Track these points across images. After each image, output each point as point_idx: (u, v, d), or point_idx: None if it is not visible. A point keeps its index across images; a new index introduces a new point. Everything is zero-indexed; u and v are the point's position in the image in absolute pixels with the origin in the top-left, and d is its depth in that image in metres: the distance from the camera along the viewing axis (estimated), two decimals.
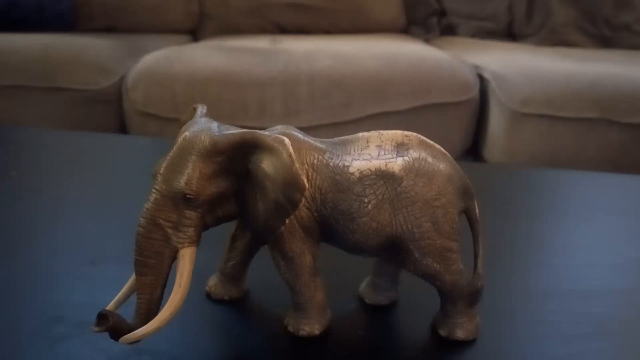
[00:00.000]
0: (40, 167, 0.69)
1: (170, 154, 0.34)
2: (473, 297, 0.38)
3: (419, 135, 0.36)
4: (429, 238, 0.35)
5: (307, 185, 0.34)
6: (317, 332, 0.38)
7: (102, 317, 0.32)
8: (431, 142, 0.36)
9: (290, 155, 0.33)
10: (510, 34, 1.66)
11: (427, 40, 1.60)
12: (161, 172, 0.33)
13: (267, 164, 0.33)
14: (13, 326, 0.39)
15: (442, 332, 0.39)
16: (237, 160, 0.34)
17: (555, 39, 1.59)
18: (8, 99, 1.22)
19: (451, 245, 0.36)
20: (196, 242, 0.34)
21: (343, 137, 0.37)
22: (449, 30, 1.69)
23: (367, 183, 0.35)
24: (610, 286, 0.46)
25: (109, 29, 1.54)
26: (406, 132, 0.36)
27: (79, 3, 1.51)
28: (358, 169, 0.35)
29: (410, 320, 0.41)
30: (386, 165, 0.35)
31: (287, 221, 0.34)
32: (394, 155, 0.35)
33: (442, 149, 0.37)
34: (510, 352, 0.38)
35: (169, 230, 0.33)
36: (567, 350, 0.38)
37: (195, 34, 1.63)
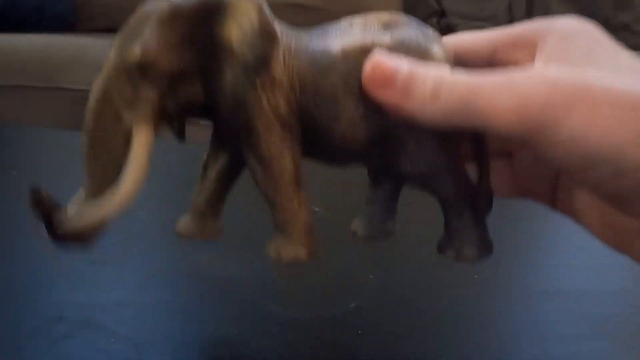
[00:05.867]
0: (41, 167, 0.69)
1: (126, 25, 0.30)
2: (482, 205, 0.33)
3: (409, 17, 0.33)
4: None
5: (278, 35, 0.30)
6: (303, 256, 0.33)
7: (35, 192, 0.27)
8: (421, 23, 0.33)
9: (257, 5, 0.30)
10: None
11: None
12: (116, 41, 0.30)
13: (231, 22, 0.30)
14: (13, 326, 0.39)
15: (449, 253, 0.33)
16: (200, 29, 0.30)
17: None
18: (8, 99, 1.22)
19: (451, 135, 0.31)
20: (153, 122, 0.30)
21: (324, 25, 0.33)
22: (449, 31, 1.69)
23: (351, 61, 0.31)
24: (611, 286, 0.47)
25: (109, 30, 1.54)
26: (394, 13, 0.33)
27: (79, 3, 1.51)
28: (342, 48, 0.31)
29: (411, 320, 0.41)
30: (373, 41, 0.31)
31: (262, 97, 0.30)
32: (382, 33, 0.31)
33: (434, 31, 0.33)
34: (510, 352, 0.38)
35: (122, 107, 0.30)
36: (567, 350, 0.38)
37: None
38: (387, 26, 0.32)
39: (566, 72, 0.27)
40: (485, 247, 0.33)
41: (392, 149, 0.32)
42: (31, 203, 0.27)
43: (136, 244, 0.49)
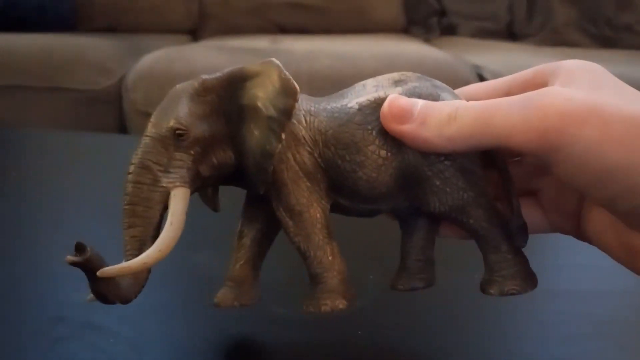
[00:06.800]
0: (40, 167, 0.69)
1: (159, 105, 0.33)
2: (518, 236, 0.33)
3: (418, 74, 0.34)
4: (447, 158, 0.32)
5: (298, 89, 0.32)
6: (341, 306, 0.33)
7: (80, 248, 0.29)
8: (430, 78, 0.34)
9: (278, 67, 0.32)
10: (510, 34, 1.66)
11: (427, 40, 1.60)
12: (151, 119, 0.32)
13: (255, 86, 0.32)
14: (14, 326, 0.39)
15: (493, 291, 0.33)
16: (228, 99, 0.33)
17: (556, 39, 1.59)
18: (8, 98, 1.22)
19: (474, 168, 0.32)
20: (189, 184, 0.32)
21: (339, 92, 0.35)
22: (449, 30, 1.69)
23: (367, 112, 0.33)
24: (611, 287, 0.46)
25: (109, 29, 1.54)
26: (404, 72, 0.34)
27: (79, 3, 1.51)
28: (357, 102, 0.33)
29: (411, 320, 0.41)
30: (385, 93, 0.32)
31: (288, 160, 0.32)
32: (393, 88, 0.33)
33: (443, 83, 0.34)
34: (510, 352, 0.38)
35: (159, 173, 0.32)
36: (567, 350, 0.38)
37: (195, 34, 1.63)
38: (397, 82, 0.33)
39: (579, 92, 0.27)
40: (529, 279, 0.33)
41: (418, 188, 0.33)
42: (75, 259, 0.29)
43: None
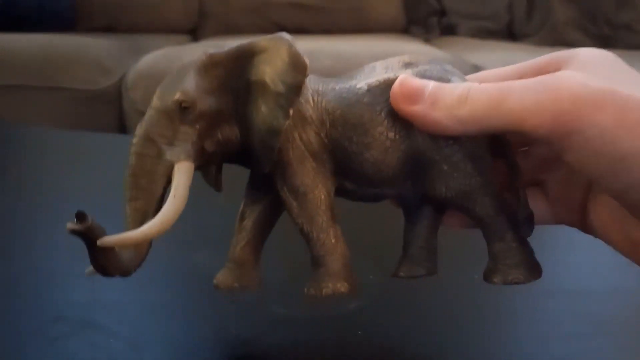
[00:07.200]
0: (40, 167, 0.69)
1: (165, 77, 0.32)
2: (524, 225, 0.33)
3: (428, 57, 0.34)
4: (455, 143, 0.31)
5: (308, 63, 0.32)
6: (343, 289, 0.33)
7: (81, 216, 0.28)
8: (441, 62, 0.34)
9: (287, 42, 0.32)
10: (510, 33, 1.66)
11: (427, 40, 1.61)
12: (157, 92, 0.32)
13: (263, 61, 0.32)
14: (13, 325, 0.39)
15: (496, 280, 0.33)
16: (236, 74, 0.32)
17: (556, 39, 1.59)
18: (8, 98, 1.22)
19: (483, 154, 0.32)
20: (193, 159, 0.32)
21: (348, 73, 0.35)
22: (449, 30, 1.69)
23: (376, 93, 0.32)
24: (611, 285, 0.46)
25: (109, 29, 1.54)
26: (414, 54, 0.34)
27: (79, 2, 1.51)
28: (366, 83, 0.33)
29: (411, 320, 0.41)
30: (395, 75, 0.32)
31: (295, 139, 0.32)
32: (403, 70, 0.32)
33: (454, 68, 0.34)
34: (510, 351, 0.38)
35: (163, 146, 0.31)
36: (567, 349, 0.38)
37: (195, 33, 1.63)
38: (407, 65, 0.33)
39: (594, 78, 0.27)
40: (533, 268, 0.33)
41: (425, 173, 0.32)
42: (76, 227, 0.28)
43: None
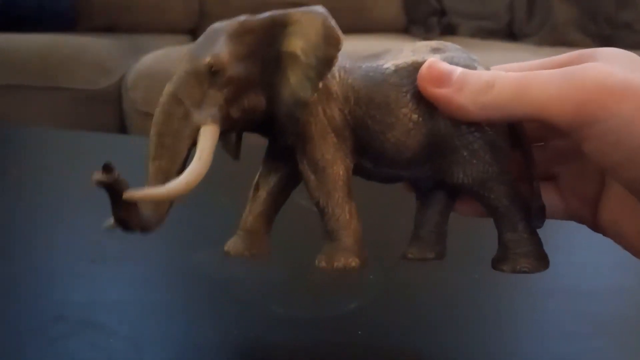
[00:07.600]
0: (40, 167, 0.69)
1: (197, 39, 0.33)
2: (536, 217, 0.33)
3: (456, 45, 0.35)
4: (477, 130, 0.31)
5: (342, 39, 0.32)
6: (353, 264, 0.33)
7: (108, 168, 0.27)
8: (467, 51, 0.34)
9: (322, 14, 0.32)
10: (510, 33, 1.66)
11: (427, 40, 1.60)
12: (187, 54, 0.32)
13: (296, 33, 0.32)
14: (13, 325, 0.39)
15: (505, 268, 0.33)
16: (267, 43, 0.32)
17: (556, 38, 1.59)
18: (8, 98, 1.22)
19: (502, 144, 0.32)
20: (219, 123, 0.32)
21: (375, 52, 0.35)
22: (449, 30, 1.69)
23: (403, 74, 0.32)
24: (612, 285, 0.46)
25: (109, 29, 1.54)
26: (442, 41, 0.35)
27: (79, 2, 1.51)
28: (393, 64, 0.33)
29: (411, 320, 0.41)
30: (423, 58, 0.32)
31: (319, 111, 0.32)
32: (431, 54, 0.33)
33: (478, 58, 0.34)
34: (511, 350, 0.38)
35: (191, 108, 0.31)
36: (568, 349, 0.38)
37: (195, 33, 1.63)
38: (435, 50, 0.33)
39: (620, 70, 0.27)
40: (542, 259, 0.33)
41: (444, 158, 0.32)
42: (103, 178, 0.28)
43: (136, 244, 0.49)
